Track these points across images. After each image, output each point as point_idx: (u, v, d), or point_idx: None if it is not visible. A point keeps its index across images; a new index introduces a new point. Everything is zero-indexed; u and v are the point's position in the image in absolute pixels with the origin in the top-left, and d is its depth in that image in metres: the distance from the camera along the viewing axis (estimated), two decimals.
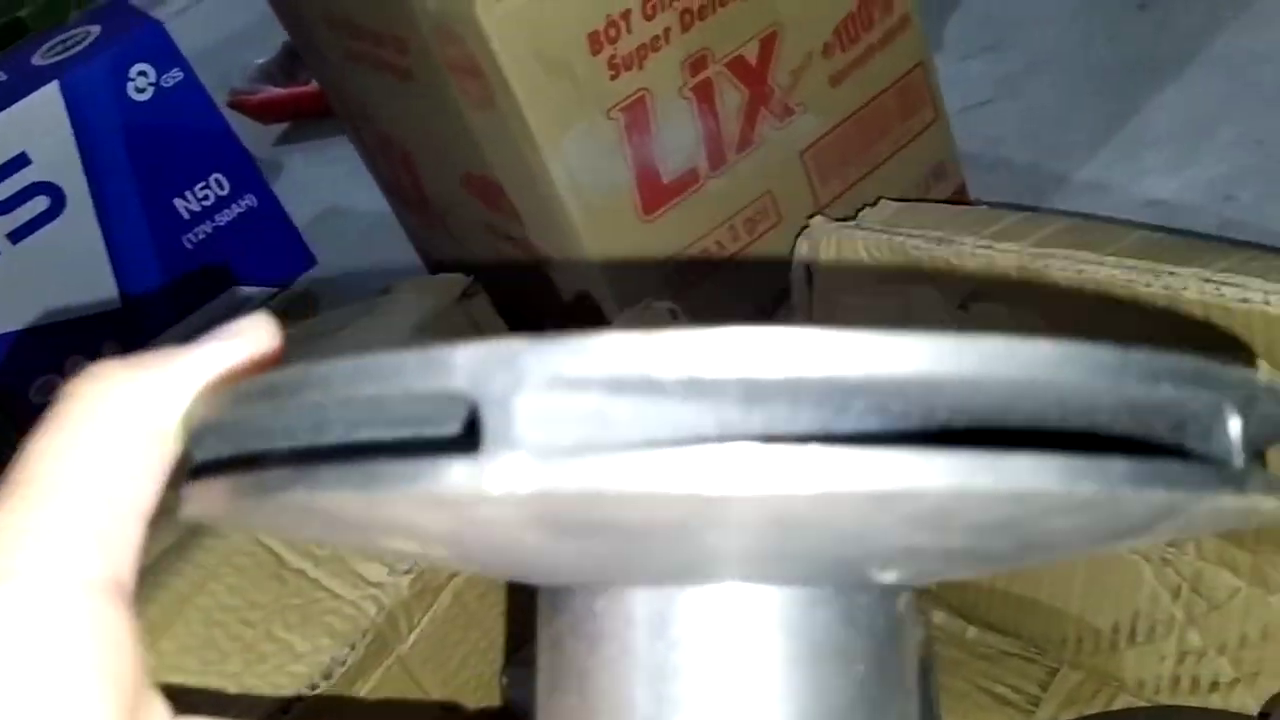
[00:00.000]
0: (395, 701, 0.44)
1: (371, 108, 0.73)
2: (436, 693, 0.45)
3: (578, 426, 0.15)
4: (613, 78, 0.53)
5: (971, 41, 0.91)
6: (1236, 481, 0.16)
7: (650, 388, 0.15)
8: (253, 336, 0.21)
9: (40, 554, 0.17)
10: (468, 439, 0.15)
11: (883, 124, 0.63)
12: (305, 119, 1.23)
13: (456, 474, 0.15)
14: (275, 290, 0.86)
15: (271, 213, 0.85)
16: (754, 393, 0.15)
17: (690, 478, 0.14)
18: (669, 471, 0.14)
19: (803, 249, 0.52)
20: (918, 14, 0.62)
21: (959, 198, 0.68)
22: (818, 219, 0.52)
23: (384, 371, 0.15)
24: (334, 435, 0.17)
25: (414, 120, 0.66)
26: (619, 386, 0.15)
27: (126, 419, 0.19)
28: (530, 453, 0.14)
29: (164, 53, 0.78)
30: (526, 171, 0.55)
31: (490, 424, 0.15)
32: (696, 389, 0.15)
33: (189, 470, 0.20)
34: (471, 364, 0.15)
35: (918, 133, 0.64)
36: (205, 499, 0.18)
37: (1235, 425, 0.16)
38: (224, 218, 0.82)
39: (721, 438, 0.15)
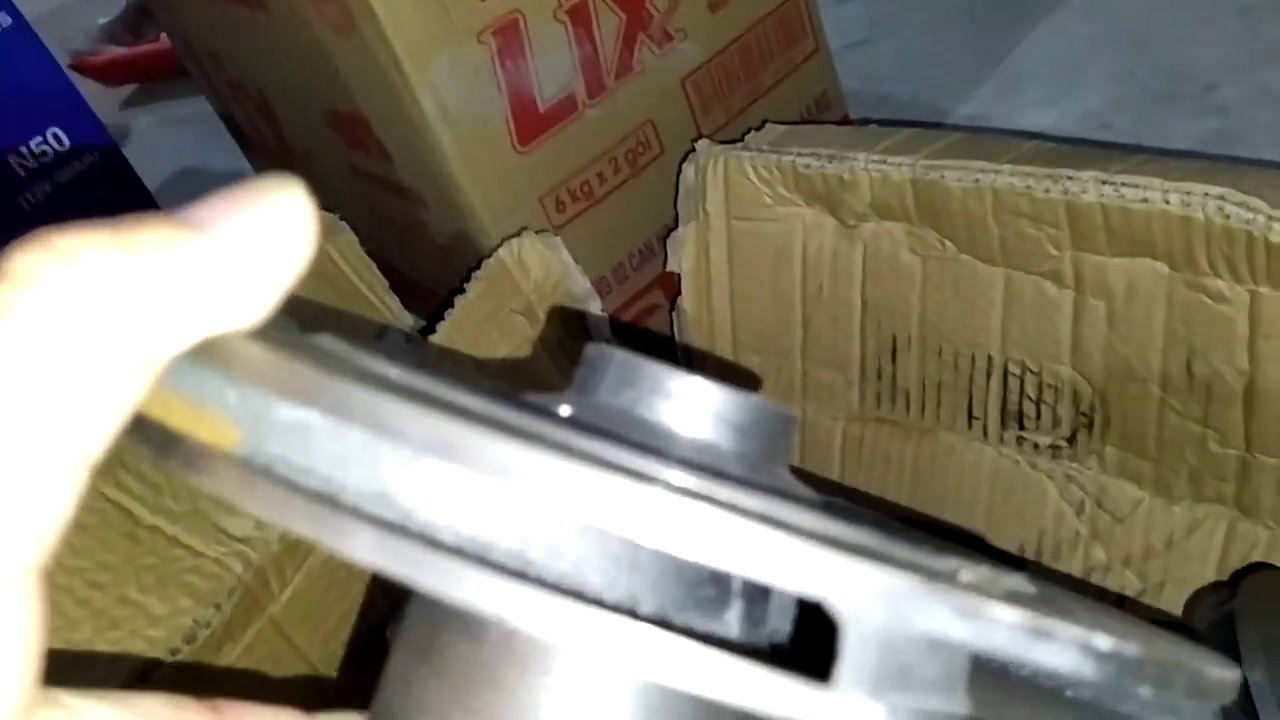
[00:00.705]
0: (257, 674, 0.40)
1: (223, 50, 0.68)
2: (314, 654, 0.42)
3: (925, 689, 0.13)
4: None
5: None
6: None
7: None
8: (291, 221, 0.15)
9: None
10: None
11: (764, 53, 0.61)
12: (153, 80, 1.16)
13: (798, 700, 0.12)
14: None
15: (117, 169, 0.79)
16: None
17: None
18: None
19: (689, 174, 0.49)
20: None
21: None
22: (703, 142, 0.49)
23: (708, 537, 0.12)
24: (543, 558, 0.14)
25: (269, 58, 0.61)
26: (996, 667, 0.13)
27: (94, 329, 0.13)
28: (884, 706, 0.13)
29: None
30: (393, 102, 0.52)
31: (852, 656, 0.13)
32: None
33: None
34: (851, 582, 0.12)
35: (799, 63, 0.63)
36: (291, 514, 0.13)
37: None
38: (64, 175, 0.76)
39: None
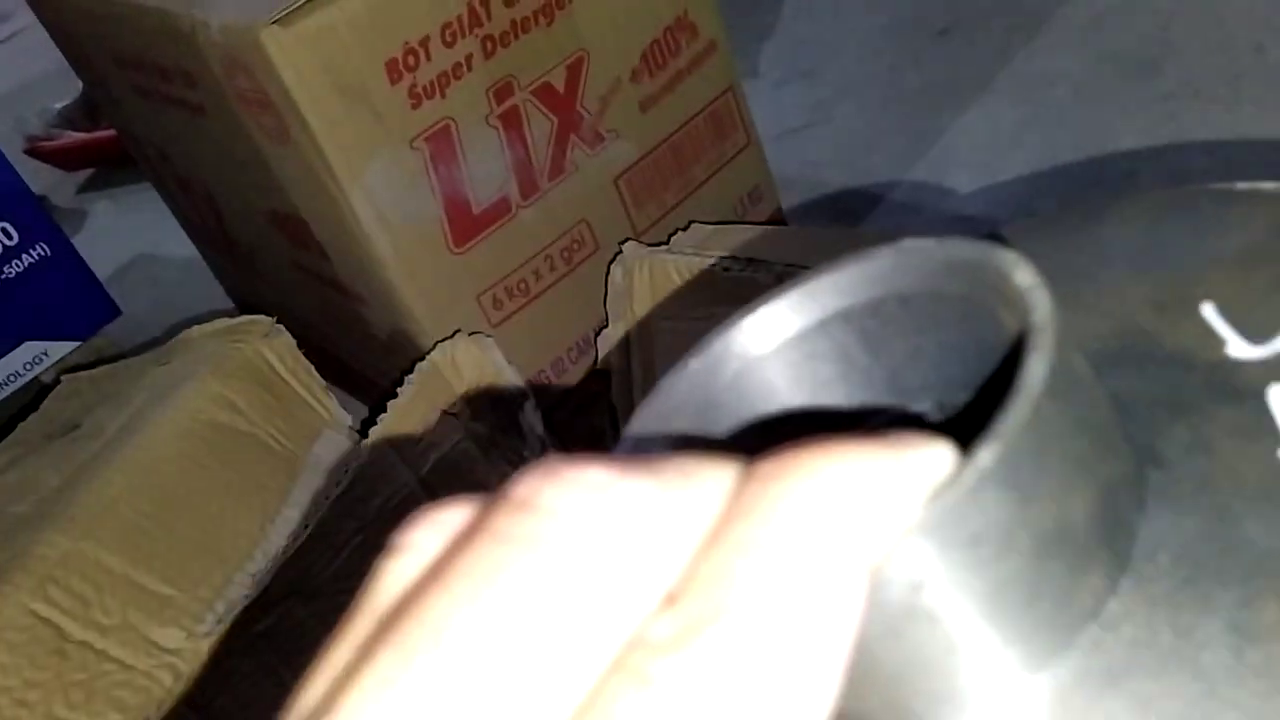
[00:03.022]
0: None
1: (168, 148, 0.69)
2: None
3: None
4: (414, 106, 0.52)
5: (786, 68, 0.93)
6: None
7: None
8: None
9: None
10: None
11: (696, 149, 0.63)
12: (110, 164, 1.17)
13: None
14: (75, 344, 0.81)
15: (67, 262, 0.80)
16: None
17: None
18: None
19: (616, 275, 0.51)
20: (726, 39, 0.63)
21: (776, 221, 0.69)
22: (630, 244, 0.51)
23: None
24: None
25: (211, 158, 0.63)
26: None
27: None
28: None
29: None
30: (329, 206, 0.53)
31: None
32: None
33: None
34: None
35: (731, 156, 0.65)
36: None
37: None
38: (13, 269, 0.77)
39: None
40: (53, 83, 1.22)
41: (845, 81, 0.89)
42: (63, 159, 1.16)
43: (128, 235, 1.07)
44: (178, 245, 0.86)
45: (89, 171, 1.20)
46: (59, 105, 1.20)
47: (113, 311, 0.85)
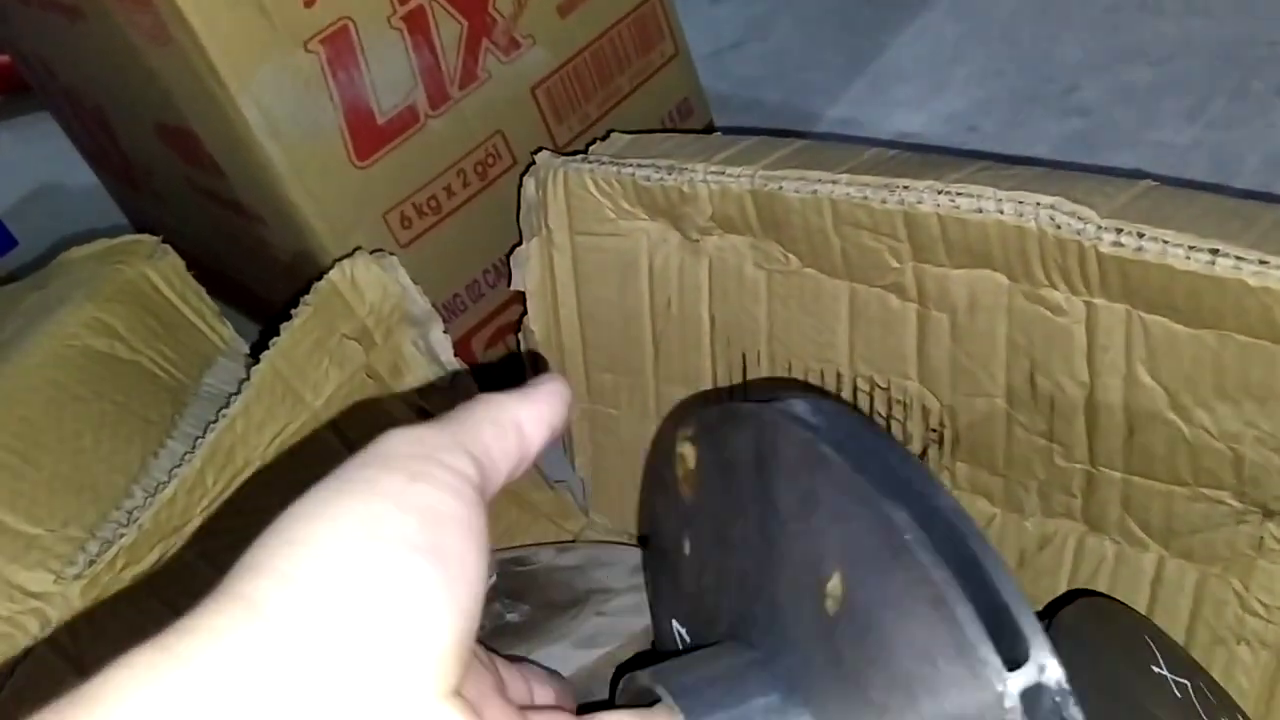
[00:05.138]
0: None
1: (52, 60, 0.64)
2: None
3: None
4: (307, 4, 0.47)
5: None
6: None
7: None
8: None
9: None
10: None
11: (619, 58, 0.59)
12: (12, 93, 1.10)
13: None
14: None
15: None
16: None
17: None
18: None
19: (529, 188, 0.47)
20: None
21: None
22: (543, 154, 0.47)
23: None
24: None
25: (94, 69, 0.58)
26: None
27: None
28: None
29: None
30: (218, 115, 0.49)
31: None
32: None
33: None
34: None
35: (658, 67, 0.61)
36: None
37: None
38: None
39: None
40: None
41: None
42: None
43: (29, 166, 1.02)
44: (81, 175, 0.81)
45: None
46: None
47: (9, 242, 0.80)
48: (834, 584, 0.24)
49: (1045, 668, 0.21)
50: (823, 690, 0.25)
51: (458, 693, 0.19)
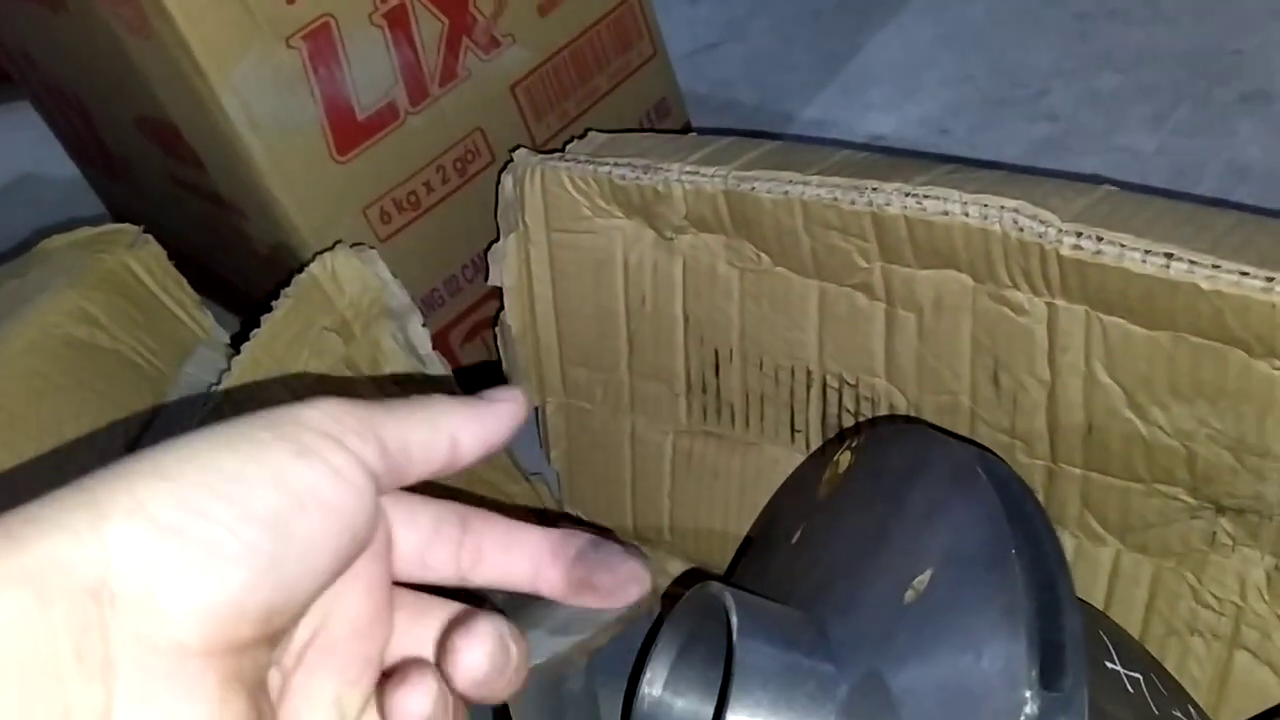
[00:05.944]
0: None
1: (34, 51, 0.65)
2: None
3: None
4: (290, 1, 0.48)
5: None
6: None
7: None
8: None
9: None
10: None
11: (598, 57, 0.60)
12: None
13: None
14: None
15: None
16: None
17: None
18: None
19: (507, 185, 0.48)
20: None
21: None
22: (521, 152, 0.48)
23: None
24: None
25: (75, 59, 0.58)
26: None
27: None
28: None
29: None
30: (198, 109, 0.49)
31: None
32: None
33: None
34: None
35: (637, 67, 0.62)
36: None
37: None
38: None
39: None
40: None
41: None
42: None
43: (8, 156, 1.01)
44: (61, 165, 0.81)
45: None
46: None
47: None
48: (922, 579, 0.26)
49: (1071, 705, 0.23)
50: (859, 662, 0.27)
51: (234, 662, 0.19)
